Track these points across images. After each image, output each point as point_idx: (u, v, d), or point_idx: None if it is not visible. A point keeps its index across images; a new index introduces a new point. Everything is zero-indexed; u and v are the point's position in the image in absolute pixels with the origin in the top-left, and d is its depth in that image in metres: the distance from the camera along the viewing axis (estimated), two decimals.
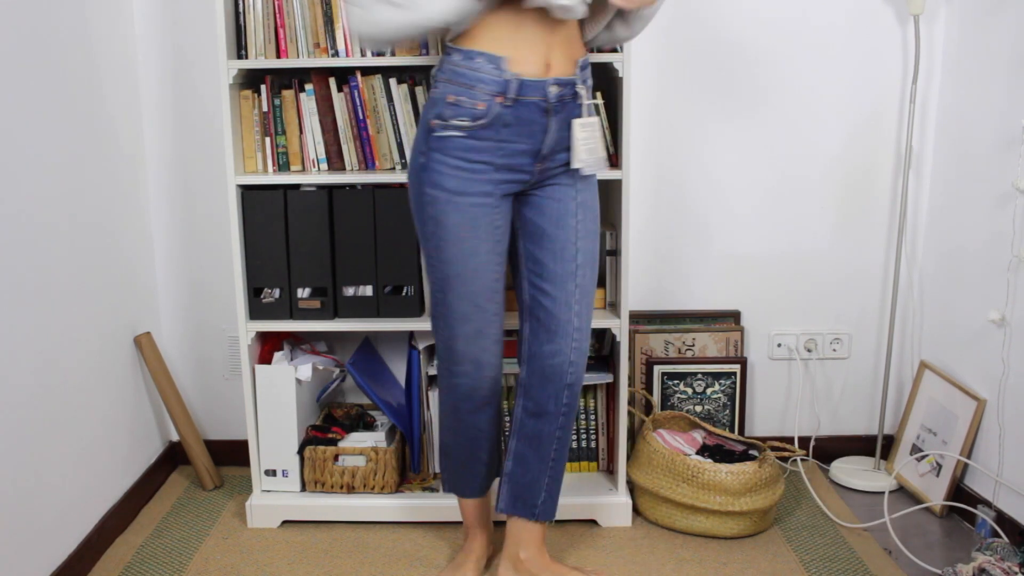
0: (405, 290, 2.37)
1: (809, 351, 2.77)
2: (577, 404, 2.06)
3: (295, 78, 2.33)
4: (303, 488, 2.45)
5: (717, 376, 2.70)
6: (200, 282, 2.71)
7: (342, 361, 2.59)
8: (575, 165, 1.91)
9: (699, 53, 2.60)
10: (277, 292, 2.37)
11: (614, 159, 2.34)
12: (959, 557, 2.24)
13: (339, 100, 2.32)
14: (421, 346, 2.45)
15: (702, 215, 2.69)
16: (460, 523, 2.31)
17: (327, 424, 2.51)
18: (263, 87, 2.31)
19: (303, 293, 2.37)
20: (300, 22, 2.27)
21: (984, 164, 2.40)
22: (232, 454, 2.76)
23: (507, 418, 2.47)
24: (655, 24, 2.56)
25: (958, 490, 2.45)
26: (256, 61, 2.28)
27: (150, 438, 2.65)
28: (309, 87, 2.31)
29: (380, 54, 2.26)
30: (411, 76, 2.33)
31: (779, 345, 2.76)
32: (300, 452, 2.44)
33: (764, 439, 2.75)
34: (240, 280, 2.33)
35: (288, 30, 2.27)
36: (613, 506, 2.40)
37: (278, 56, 2.29)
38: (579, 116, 1.90)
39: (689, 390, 2.71)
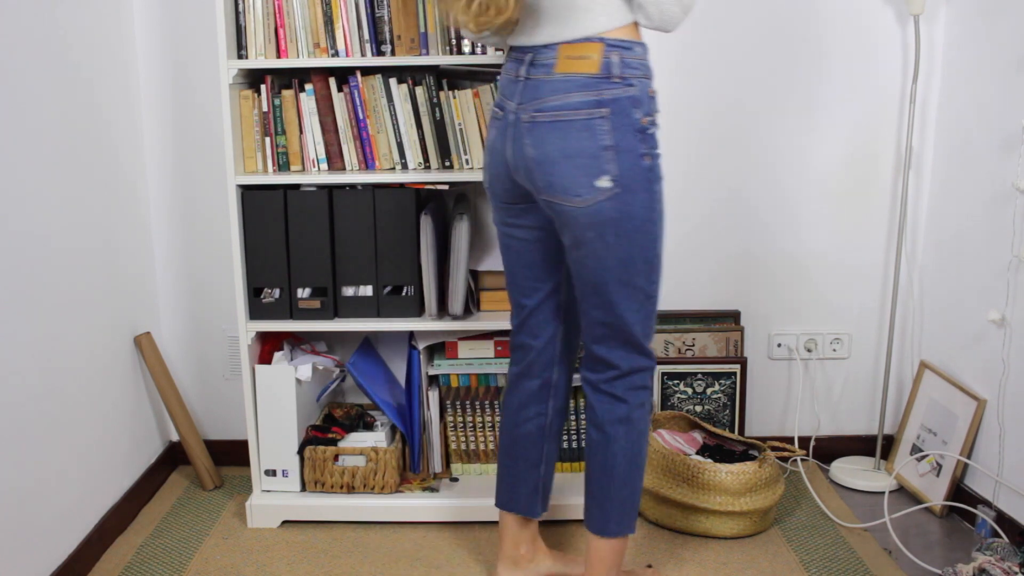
0: (405, 290, 2.37)
1: (809, 351, 2.77)
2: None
3: (295, 78, 2.33)
4: (303, 488, 2.45)
5: (717, 376, 2.70)
6: (200, 282, 2.71)
7: (342, 361, 2.59)
8: None
9: (698, 53, 2.60)
10: (277, 292, 2.37)
11: None
12: (959, 557, 2.24)
13: (339, 100, 2.32)
14: (421, 346, 2.45)
15: (702, 215, 2.69)
16: (458, 523, 2.31)
17: (327, 424, 2.51)
18: (263, 87, 2.31)
19: (303, 293, 2.37)
20: (300, 22, 2.27)
21: (984, 164, 2.40)
22: (232, 454, 2.76)
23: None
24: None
25: (958, 490, 2.45)
26: (256, 61, 2.28)
27: (150, 438, 2.65)
28: (309, 87, 2.31)
29: (382, 54, 2.27)
30: (411, 76, 2.33)
31: (779, 345, 2.76)
32: (300, 452, 2.44)
33: (764, 439, 2.75)
34: (240, 280, 2.33)
35: (288, 30, 2.27)
36: None
37: (278, 56, 2.29)
38: None
39: (689, 390, 2.71)
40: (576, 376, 2.43)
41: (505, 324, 2.36)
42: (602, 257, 1.77)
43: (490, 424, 2.51)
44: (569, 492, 2.41)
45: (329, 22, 2.27)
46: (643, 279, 1.80)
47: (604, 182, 1.71)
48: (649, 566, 2.23)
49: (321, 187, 2.33)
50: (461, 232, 2.27)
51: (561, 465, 2.55)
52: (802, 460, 2.77)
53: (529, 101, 1.75)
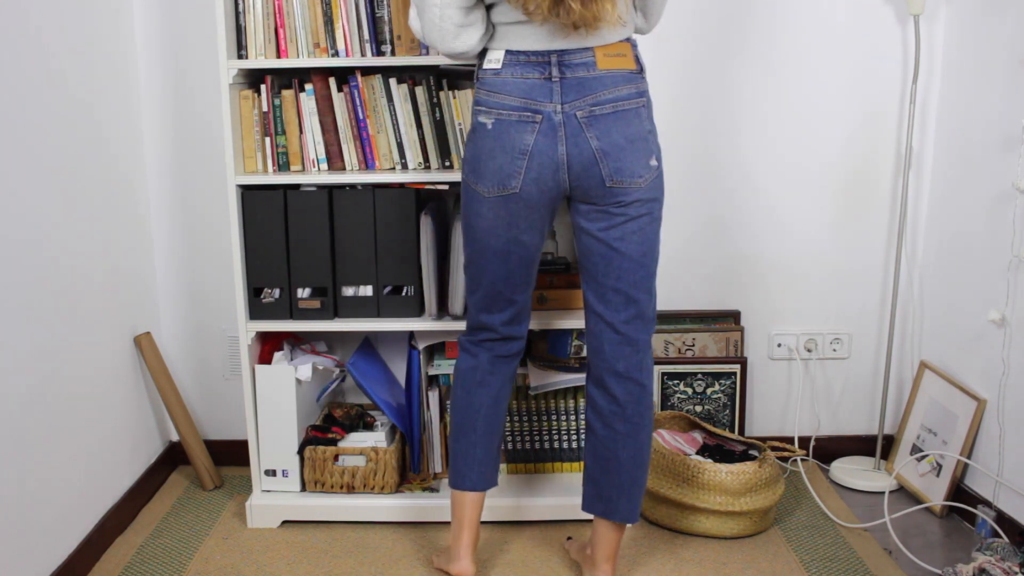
0: (405, 290, 2.37)
1: (809, 351, 2.77)
2: None
3: (295, 78, 2.33)
4: (303, 488, 2.45)
5: (717, 376, 2.70)
6: (200, 282, 2.71)
7: (342, 361, 2.59)
8: None
9: (698, 54, 2.60)
10: (277, 292, 2.37)
11: None
12: (959, 557, 2.24)
13: (339, 100, 2.32)
14: (421, 346, 2.45)
15: (702, 214, 2.69)
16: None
17: (327, 424, 2.51)
18: (263, 87, 2.31)
19: (303, 293, 2.37)
20: (300, 22, 2.27)
21: (984, 164, 2.40)
22: (232, 454, 2.76)
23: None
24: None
25: (958, 490, 2.45)
26: (256, 61, 2.28)
27: (150, 438, 2.65)
28: (309, 87, 2.31)
29: (382, 54, 2.27)
30: (411, 76, 2.33)
31: (779, 345, 2.76)
32: (300, 452, 2.44)
33: (764, 439, 2.75)
34: (240, 280, 2.33)
35: (288, 30, 2.27)
36: None
37: (278, 56, 2.29)
38: None
39: (689, 390, 2.71)
40: (576, 375, 2.42)
41: None
42: (648, 232, 1.94)
43: None
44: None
45: (329, 22, 2.27)
46: (657, 259, 2.00)
47: (653, 161, 1.91)
48: (569, 538, 2.32)
49: (321, 187, 2.33)
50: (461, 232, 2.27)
51: (563, 465, 2.55)
52: (802, 460, 2.77)
53: (578, 98, 1.84)
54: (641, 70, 1.89)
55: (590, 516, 2.40)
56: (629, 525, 2.08)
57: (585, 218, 1.93)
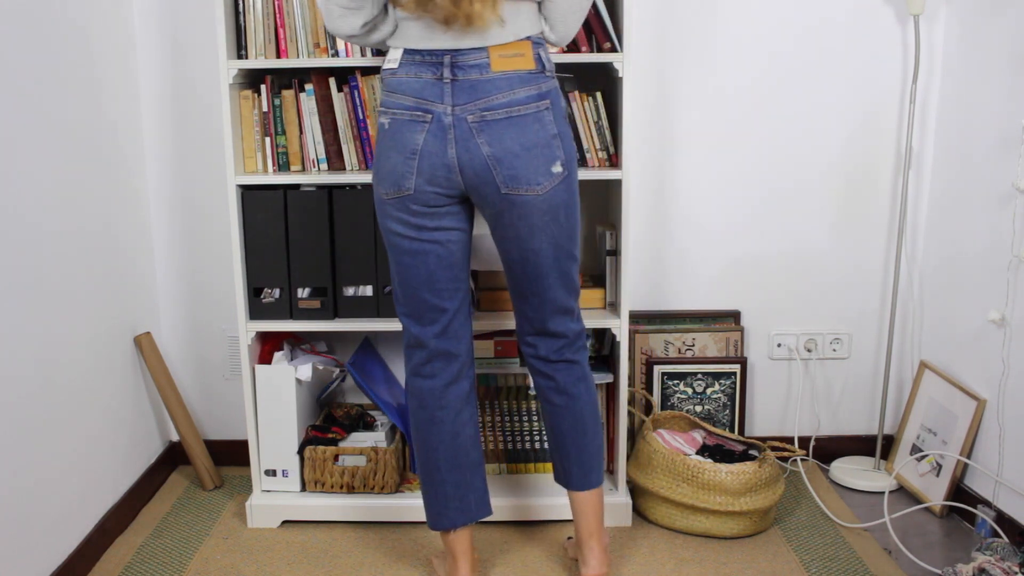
0: None
1: (809, 351, 2.77)
2: None
3: (295, 78, 2.33)
4: (303, 488, 2.45)
5: (717, 376, 2.70)
6: (200, 282, 2.71)
7: (342, 361, 2.60)
8: None
9: (699, 54, 2.60)
10: (277, 292, 2.37)
11: (614, 159, 2.34)
12: (959, 557, 2.24)
13: (339, 100, 2.32)
14: None
15: (702, 215, 2.69)
16: None
17: (327, 424, 2.51)
18: (263, 87, 2.31)
19: (303, 293, 2.37)
20: (300, 22, 2.27)
21: (984, 164, 2.40)
22: (232, 454, 2.76)
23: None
24: (654, 25, 2.56)
25: (958, 490, 2.45)
26: (256, 61, 2.28)
27: (150, 438, 2.65)
28: (309, 87, 2.31)
29: (381, 54, 2.26)
30: None
31: (779, 345, 2.76)
32: (300, 452, 2.44)
33: (764, 439, 2.75)
34: (240, 280, 2.33)
35: (288, 30, 2.27)
36: (613, 506, 2.40)
37: (278, 56, 2.29)
38: None
39: (689, 390, 2.71)
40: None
41: (506, 324, 2.36)
42: (556, 237, 1.90)
43: (490, 424, 2.52)
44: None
45: None
46: (577, 249, 1.97)
47: (557, 167, 1.85)
48: (569, 537, 2.31)
49: (321, 187, 2.33)
50: None
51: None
52: (802, 460, 2.77)
53: (469, 102, 1.79)
54: (543, 69, 1.83)
55: None
56: (598, 494, 2.07)
57: (491, 222, 1.90)
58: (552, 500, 2.41)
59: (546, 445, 2.53)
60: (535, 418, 2.52)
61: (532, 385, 2.42)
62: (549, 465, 2.55)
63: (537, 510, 2.41)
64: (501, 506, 2.39)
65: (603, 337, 2.55)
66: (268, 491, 2.45)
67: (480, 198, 1.86)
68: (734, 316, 2.75)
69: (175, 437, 2.78)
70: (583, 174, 2.26)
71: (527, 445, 2.54)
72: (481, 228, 2.40)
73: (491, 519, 2.37)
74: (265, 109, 2.32)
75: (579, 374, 2.04)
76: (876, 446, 2.71)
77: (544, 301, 1.96)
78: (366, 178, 2.29)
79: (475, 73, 1.79)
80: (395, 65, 1.84)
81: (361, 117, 2.32)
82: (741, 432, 2.73)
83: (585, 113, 2.33)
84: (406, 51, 1.83)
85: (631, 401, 2.68)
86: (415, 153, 1.83)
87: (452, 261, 1.93)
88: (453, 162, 1.82)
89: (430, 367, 1.99)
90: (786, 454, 2.61)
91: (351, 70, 2.33)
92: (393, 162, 1.85)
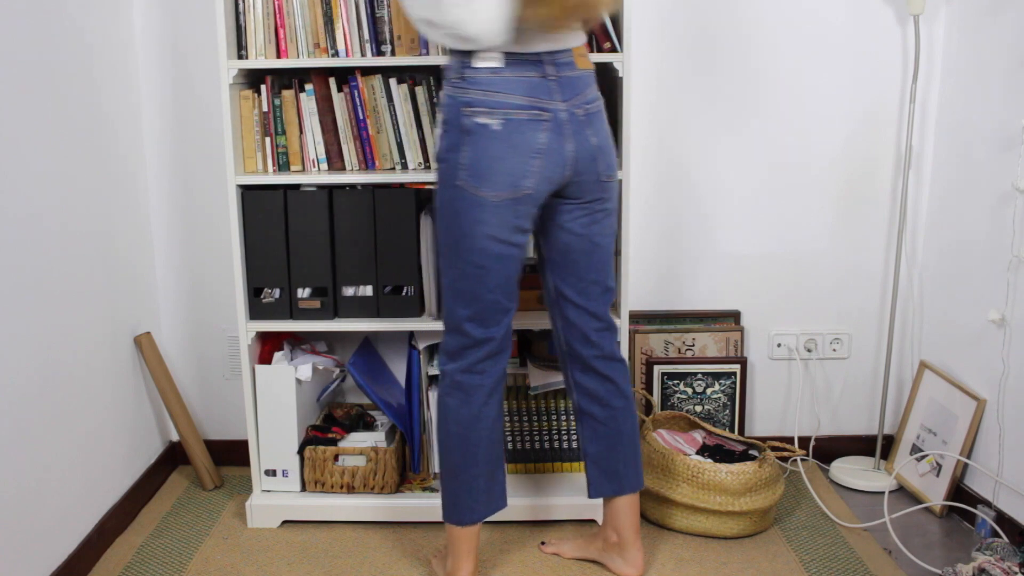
0: (405, 290, 2.37)
1: (809, 351, 2.77)
2: None
3: (295, 78, 2.33)
4: (303, 488, 2.45)
5: (717, 376, 2.70)
6: (200, 282, 2.71)
7: (342, 361, 2.60)
8: None
9: (699, 54, 2.60)
10: (277, 292, 2.37)
11: None
12: (959, 557, 2.24)
13: (339, 100, 2.32)
14: (421, 346, 2.45)
15: (702, 215, 2.69)
16: None
17: (327, 424, 2.51)
18: (263, 87, 2.31)
19: (303, 293, 2.37)
20: (300, 22, 2.27)
21: (984, 164, 2.40)
22: (232, 454, 2.76)
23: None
24: (654, 24, 2.56)
25: (958, 490, 2.45)
26: (256, 61, 2.28)
27: (150, 438, 2.65)
28: (309, 87, 2.31)
29: (382, 54, 2.27)
30: (411, 76, 2.33)
31: (779, 345, 2.76)
32: (300, 452, 2.44)
33: (764, 439, 2.75)
34: (240, 280, 2.33)
35: (288, 30, 2.27)
36: None
37: (278, 56, 2.29)
38: None
39: (689, 390, 2.71)
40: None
41: None
42: (614, 223, 2.05)
43: None
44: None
45: (329, 22, 2.27)
46: None
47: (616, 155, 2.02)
48: (543, 542, 2.32)
49: (321, 187, 2.33)
50: None
51: (563, 465, 2.55)
52: (802, 460, 2.77)
53: (573, 97, 1.88)
54: (596, 71, 1.96)
55: (590, 516, 2.41)
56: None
57: (568, 216, 1.97)
58: (553, 500, 2.41)
59: (546, 445, 2.53)
60: (535, 418, 2.52)
61: (532, 385, 2.43)
62: (550, 465, 2.55)
63: (538, 510, 2.41)
64: None
65: None
66: (268, 491, 2.45)
67: (577, 189, 1.94)
68: (734, 316, 2.75)
69: (175, 437, 2.78)
70: None
71: (527, 445, 2.54)
72: None
73: (491, 519, 2.37)
74: (265, 109, 2.32)
75: (627, 374, 2.12)
76: (876, 446, 2.71)
77: (605, 290, 2.04)
78: (366, 178, 2.29)
79: (569, 70, 1.87)
80: (500, 64, 1.81)
81: (361, 117, 2.32)
82: (741, 432, 2.73)
83: None
84: (506, 53, 1.81)
85: None
86: (539, 152, 1.84)
87: (520, 263, 1.96)
88: (570, 156, 1.88)
89: (483, 364, 2.00)
90: (786, 454, 2.61)
91: (351, 70, 2.33)
92: (511, 163, 1.83)
